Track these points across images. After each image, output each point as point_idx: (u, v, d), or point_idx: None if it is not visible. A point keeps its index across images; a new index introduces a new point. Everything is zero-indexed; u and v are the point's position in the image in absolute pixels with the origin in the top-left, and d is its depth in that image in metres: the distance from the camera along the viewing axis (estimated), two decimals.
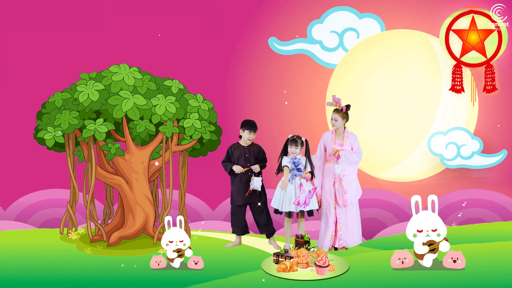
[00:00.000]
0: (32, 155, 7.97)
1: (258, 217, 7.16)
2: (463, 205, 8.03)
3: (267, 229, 7.19)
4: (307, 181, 6.88)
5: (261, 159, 7.17)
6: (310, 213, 6.93)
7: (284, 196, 6.90)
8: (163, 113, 6.92)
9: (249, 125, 7.10)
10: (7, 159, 8.17)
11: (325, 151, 7.21)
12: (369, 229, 7.78)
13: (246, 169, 7.07)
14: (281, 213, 6.96)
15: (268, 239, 7.24)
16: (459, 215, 7.99)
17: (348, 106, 7.14)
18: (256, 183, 7.01)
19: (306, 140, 6.93)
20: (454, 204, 8.05)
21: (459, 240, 7.09)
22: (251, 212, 7.20)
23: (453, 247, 6.48)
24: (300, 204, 6.80)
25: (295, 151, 6.89)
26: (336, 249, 7.13)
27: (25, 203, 8.16)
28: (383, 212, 8.04)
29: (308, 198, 6.81)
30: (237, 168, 7.07)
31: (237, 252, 6.99)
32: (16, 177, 8.14)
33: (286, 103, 8.07)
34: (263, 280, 6.17)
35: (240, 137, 7.17)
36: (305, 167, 6.89)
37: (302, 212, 6.90)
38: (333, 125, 7.17)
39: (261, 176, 7.09)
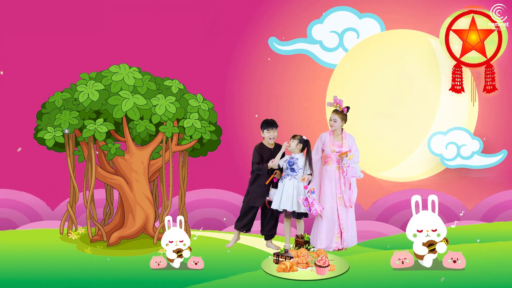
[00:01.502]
0: (32, 155, 7.97)
1: (266, 220, 7.14)
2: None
3: (268, 231, 7.17)
4: (305, 188, 6.80)
5: None
6: (305, 215, 6.91)
7: (281, 196, 6.89)
8: (163, 113, 6.92)
9: (266, 123, 7.01)
10: (9, 159, 8.16)
11: (322, 152, 7.19)
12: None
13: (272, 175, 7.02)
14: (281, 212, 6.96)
15: (266, 241, 7.21)
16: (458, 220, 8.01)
17: (347, 108, 7.14)
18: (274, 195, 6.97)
19: (307, 140, 6.90)
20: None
21: (459, 240, 7.09)
22: (261, 213, 7.17)
23: (453, 247, 6.48)
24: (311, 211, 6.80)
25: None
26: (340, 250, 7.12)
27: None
28: None
29: (305, 206, 6.78)
30: (278, 174, 6.93)
31: (237, 252, 6.98)
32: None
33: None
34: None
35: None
36: (304, 169, 6.86)
37: (299, 214, 6.89)
38: (331, 126, 7.16)
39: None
